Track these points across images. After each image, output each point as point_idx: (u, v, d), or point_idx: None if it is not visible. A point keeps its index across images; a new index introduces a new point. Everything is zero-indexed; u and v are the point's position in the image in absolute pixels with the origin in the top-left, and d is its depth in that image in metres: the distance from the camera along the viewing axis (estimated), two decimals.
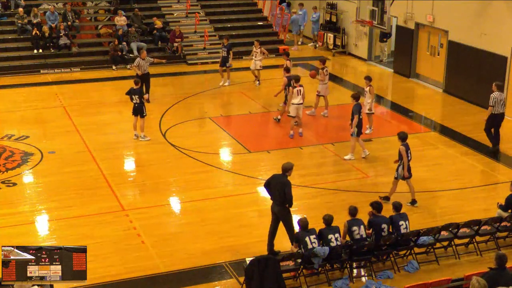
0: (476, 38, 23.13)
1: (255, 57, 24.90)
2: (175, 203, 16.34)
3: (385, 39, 28.10)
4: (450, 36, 24.42)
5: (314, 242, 12.44)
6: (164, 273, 13.05)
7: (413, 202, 15.67)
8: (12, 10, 28.96)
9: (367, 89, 19.92)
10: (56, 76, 26.76)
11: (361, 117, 18.13)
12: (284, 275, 12.33)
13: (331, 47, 30.80)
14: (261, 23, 31.99)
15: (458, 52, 24.09)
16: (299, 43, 31.97)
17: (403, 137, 15.84)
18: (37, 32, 27.63)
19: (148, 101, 22.01)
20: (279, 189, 13.29)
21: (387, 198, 15.61)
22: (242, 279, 12.47)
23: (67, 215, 15.36)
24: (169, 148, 19.33)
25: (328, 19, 31.36)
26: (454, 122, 21.65)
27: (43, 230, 14.87)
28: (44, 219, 15.30)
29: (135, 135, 19.81)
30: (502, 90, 19.72)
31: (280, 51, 29.95)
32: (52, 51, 27.76)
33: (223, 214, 15.50)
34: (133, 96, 19.55)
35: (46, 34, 27.70)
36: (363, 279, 12.98)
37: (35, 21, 28.01)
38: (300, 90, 19.49)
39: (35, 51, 27.61)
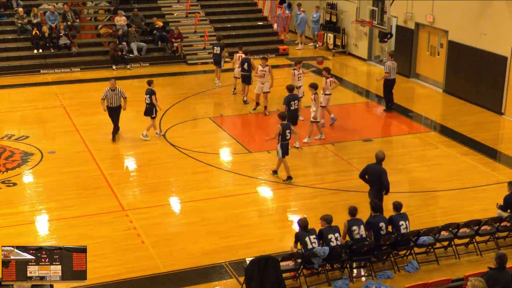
0: (476, 38, 23.13)
1: (261, 77, 21.84)
2: (175, 203, 16.34)
3: (385, 39, 28.09)
4: (450, 36, 24.42)
5: (314, 242, 12.44)
6: (164, 273, 13.05)
7: (289, 178, 17.01)
8: (14, 9, 28.92)
9: (312, 97, 19.30)
10: (56, 76, 26.76)
11: (292, 108, 18.47)
12: (284, 275, 12.33)
13: (331, 47, 30.80)
14: (261, 23, 31.99)
15: (458, 52, 24.08)
16: (301, 43, 31.92)
17: (282, 116, 16.87)
18: (37, 32, 27.64)
19: (113, 140, 19.61)
20: (377, 177, 13.92)
21: (275, 172, 17.26)
22: (242, 279, 12.47)
23: (67, 215, 15.36)
24: (169, 148, 19.33)
25: (328, 19, 31.36)
26: (454, 122, 21.65)
27: (43, 230, 14.87)
28: (44, 219, 15.31)
29: (156, 133, 20.09)
30: (393, 59, 22.82)
31: (280, 51, 30.04)
32: (52, 51, 27.75)
33: (223, 214, 15.50)
34: (145, 96, 19.76)
35: (46, 34, 27.70)
36: (363, 279, 12.97)
37: (35, 21, 28.02)
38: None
39: (35, 51, 27.61)
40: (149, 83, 19.98)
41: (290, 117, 18.07)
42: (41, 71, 27.00)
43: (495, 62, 22.39)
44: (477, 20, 23.06)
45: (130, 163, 18.91)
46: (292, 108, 18.64)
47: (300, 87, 21.02)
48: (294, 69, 21.30)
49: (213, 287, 12.64)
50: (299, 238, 12.54)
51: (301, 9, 31.71)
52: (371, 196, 14.10)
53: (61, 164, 18.09)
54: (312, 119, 19.40)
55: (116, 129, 19.72)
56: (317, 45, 31.56)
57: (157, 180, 17.23)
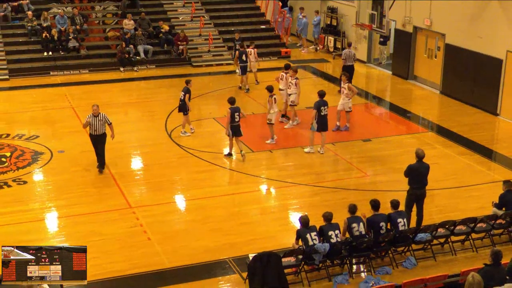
0: (472, 41, 23.09)
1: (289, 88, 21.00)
2: (180, 201, 16.33)
3: (382, 39, 28.11)
4: (447, 39, 24.38)
5: (315, 239, 12.43)
6: (169, 268, 13.04)
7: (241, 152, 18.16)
8: (26, 13, 28.95)
9: (272, 99, 19.36)
10: (65, 77, 26.77)
11: (323, 113, 18.25)
12: (286, 270, 12.32)
13: (331, 50, 30.77)
14: (263, 26, 31.97)
15: (455, 55, 24.04)
16: (305, 46, 31.85)
17: (231, 101, 18.14)
18: (47, 35, 27.68)
19: (101, 172, 17.39)
20: (425, 173, 13.99)
21: (229, 154, 18.37)
22: (245, 274, 12.47)
23: (76, 212, 15.37)
24: (174, 147, 19.33)
25: (328, 22, 31.33)
26: (450, 123, 21.61)
27: (52, 226, 14.88)
28: (53, 216, 15.32)
29: (181, 132, 20.22)
30: (351, 47, 25.16)
31: (283, 54, 30.01)
32: (62, 53, 27.78)
33: (227, 211, 15.49)
34: (181, 93, 20.02)
35: (56, 37, 27.73)
36: (363, 274, 12.95)
37: (45, 25, 28.07)
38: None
39: (45, 53, 27.63)
40: (187, 82, 20.27)
41: (321, 123, 18.12)
42: (51, 73, 27.01)
43: (491, 65, 22.35)
44: (473, 24, 23.02)
45: (137, 162, 18.90)
46: (322, 113, 18.34)
47: (290, 94, 20.68)
48: (286, 73, 21.03)
49: (217, 282, 12.63)
50: (300, 235, 12.52)
51: (302, 14, 31.67)
52: (418, 194, 14.01)
53: (70, 163, 18.10)
54: (267, 121, 19.52)
55: (101, 161, 17.36)
56: (318, 48, 31.52)
57: (163, 179, 17.23)
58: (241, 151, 18.28)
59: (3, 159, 18.25)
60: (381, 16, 27.35)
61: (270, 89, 19.56)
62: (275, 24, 32.24)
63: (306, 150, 18.77)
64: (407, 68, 26.67)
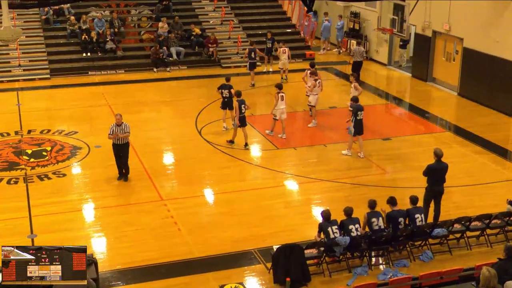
0: (489, 45, 22.82)
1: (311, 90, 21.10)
2: (208, 195, 16.37)
3: (402, 43, 27.91)
4: (465, 43, 24.13)
5: (336, 232, 12.39)
6: (198, 258, 13.10)
7: (246, 144, 18.81)
8: (66, 16, 29.24)
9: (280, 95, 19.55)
10: (103, 77, 26.97)
11: (359, 117, 17.96)
12: (308, 262, 12.31)
13: None
14: (289, 30, 31.90)
15: (472, 58, 23.78)
16: (325, 48, 31.75)
17: (237, 94, 18.81)
18: (86, 37, 27.91)
19: (126, 180, 16.67)
20: (443, 172, 13.95)
21: (231, 142, 18.89)
22: (269, 265, 12.47)
23: (111, 203, 15.49)
24: (204, 144, 19.38)
25: (351, 26, 31.17)
26: (467, 123, 21.39)
27: (89, 217, 15.00)
28: (90, 207, 15.45)
29: (224, 127, 20.32)
30: (360, 45, 27.12)
31: (307, 56, 29.93)
32: (99, 54, 27.98)
33: (252, 205, 15.50)
34: (223, 91, 20.12)
35: (94, 39, 27.95)
36: (381, 267, 12.89)
37: (84, 27, 28.31)
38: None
39: (84, 54, 27.86)
40: (228, 79, 20.62)
41: (357, 127, 17.89)
42: (89, 73, 27.23)
43: (507, 68, 22.08)
44: (490, 29, 22.75)
45: (168, 157, 18.97)
46: (358, 117, 17.97)
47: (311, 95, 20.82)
48: (314, 79, 20.90)
49: (243, 271, 12.64)
50: (322, 228, 12.50)
51: (326, 18, 31.54)
52: (436, 191, 13.94)
53: (106, 157, 18.19)
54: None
55: (125, 170, 16.65)
56: (341, 51, 31.38)
57: (193, 173, 17.28)
58: (246, 144, 18.84)
59: (44, 153, 18.45)
60: (401, 21, 27.08)
61: (279, 86, 19.75)
62: (301, 27, 32.16)
63: (344, 152, 18.40)
64: (426, 71, 26.44)
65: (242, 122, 18.65)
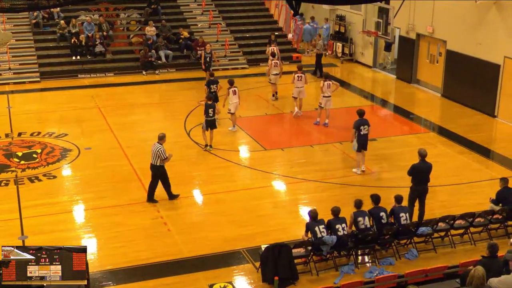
0: (472, 48, 22.96)
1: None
2: (198, 195, 16.37)
3: (386, 45, 28.01)
4: (448, 46, 24.26)
5: (323, 232, 12.43)
6: (188, 258, 13.10)
7: (208, 146, 18.74)
8: (55, 20, 29.11)
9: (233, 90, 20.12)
10: (92, 80, 26.88)
11: (362, 132, 17.05)
12: (296, 260, 12.34)
13: (339, 55, 30.69)
14: (276, 33, 31.89)
15: (455, 60, 23.92)
16: (309, 51, 31.80)
17: (208, 97, 18.74)
18: (76, 40, 27.81)
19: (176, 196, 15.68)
20: (427, 172, 13.99)
21: (209, 146, 18.70)
22: (258, 264, 12.49)
23: (101, 205, 15.44)
24: (193, 145, 19.36)
25: (337, 29, 31.25)
26: (451, 124, 21.51)
27: (79, 218, 14.95)
28: (81, 209, 15.39)
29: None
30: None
31: (294, 59, 29.97)
32: (89, 57, 27.88)
33: (242, 205, 15.51)
34: (211, 86, 20.69)
35: (84, 43, 27.86)
36: (367, 265, 12.93)
37: (73, 31, 28.20)
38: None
39: (74, 57, 27.75)
40: (212, 75, 21.23)
41: (361, 142, 16.93)
42: (79, 76, 27.12)
43: (489, 69, 22.22)
44: (473, 31, 22.89)
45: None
46: (362, 132, 16.94)
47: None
48: (325, 81, 20.68)
49: (232, 271, 12.65)
50: (309, 227, 12.53)
51: (308, 21, 31.46)
52: (421, 190, 14.00)
53: (96, 159, 18.18)
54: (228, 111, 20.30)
55: (168, 193, 15.59)
56: (327, 54, 31.44)
57: (182, 174, 17.25)
58: (209, 145, 18.82)
59: (34, 155, 18.37)
60: (386, 24, 27.26)
61: (230, 82, 20.27)
62: (290, 30, 32.17)
63: (354, 170, 17.47)
64: (411, 73, 26.55)
65: (211, 126, 18.64)
